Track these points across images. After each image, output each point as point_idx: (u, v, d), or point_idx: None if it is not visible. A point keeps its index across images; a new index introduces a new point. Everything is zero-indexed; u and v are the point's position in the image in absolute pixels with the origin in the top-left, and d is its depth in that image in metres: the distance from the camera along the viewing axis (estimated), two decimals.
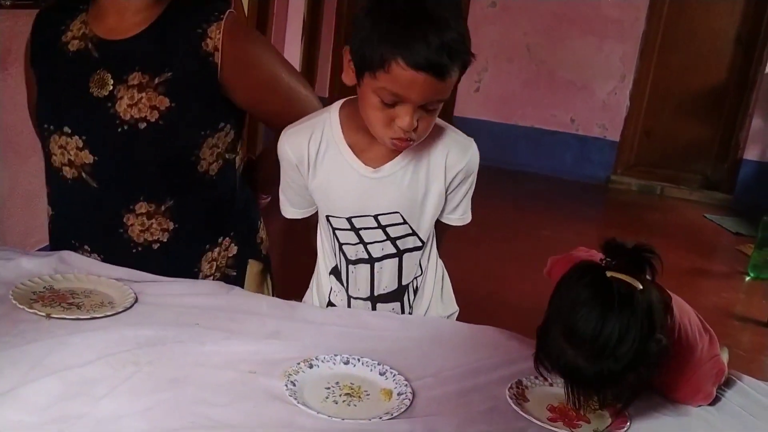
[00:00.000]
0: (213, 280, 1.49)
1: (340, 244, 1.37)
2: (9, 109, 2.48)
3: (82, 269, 1.37)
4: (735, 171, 5.58)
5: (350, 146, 1.31)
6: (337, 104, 1.34)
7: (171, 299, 1.32)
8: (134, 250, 1.42)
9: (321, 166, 1.33)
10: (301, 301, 1.48)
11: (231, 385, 1.07)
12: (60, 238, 1.49)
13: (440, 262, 1.47)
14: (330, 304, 1.44)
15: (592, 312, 1.03)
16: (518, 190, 5.24)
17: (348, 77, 1.24)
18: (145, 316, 1.24)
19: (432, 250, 1.44)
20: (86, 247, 1.44)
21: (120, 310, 1.24)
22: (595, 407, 1.11)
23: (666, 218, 4.99)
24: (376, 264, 1.37)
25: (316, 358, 1.15)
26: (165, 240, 1.42)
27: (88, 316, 1.20)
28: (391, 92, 1.17)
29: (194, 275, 1.48)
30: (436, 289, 1.46)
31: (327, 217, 1.36)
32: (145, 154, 1.35)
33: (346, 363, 1.16)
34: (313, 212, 1.42)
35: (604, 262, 1.07)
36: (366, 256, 1.36)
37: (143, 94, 1.33)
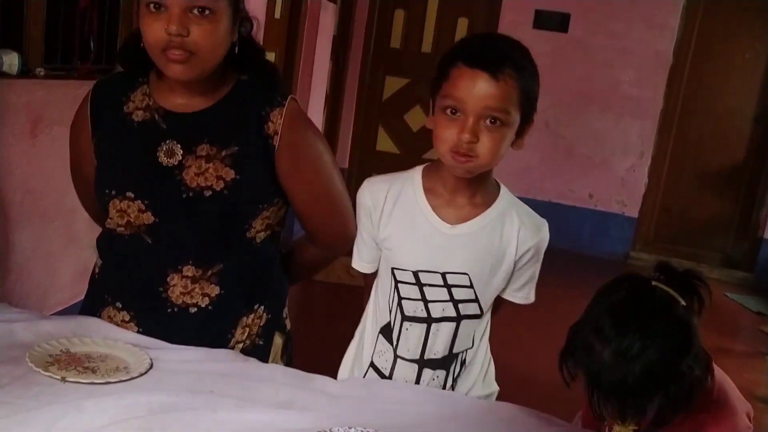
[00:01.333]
0: (243, 347, 1.49)
1: (400, 299, 1.36)
2: (37, 174, 2.54)
3: (100, 333, 1.38)
4: (755, 250, 5.53)
5: (429, 202, 1.35)
6: (421, 166, 1.40)
7: (186, 365, 1.32)
8: (169, 310, 1.43)
9: (396, 216, 1.36)
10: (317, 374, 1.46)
11: None
12: (96, 292, 1.51)
13: (488, 344, 1.46)
14: (372, 365, 1.42)
15: (626, 311, 1.00)
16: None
17: (428, 121, 1.34)
18: (159, 381, 1.24)
19: (487, 327, 1.43)
20: (118, 304, 1.46)
21: (135, 375, 1.23)
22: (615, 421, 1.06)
23: None
24: (433, 325, 1.36)
25: (330, 430, 1.13)
26: (204, 305, 1.44)
27: (103, 381, 1.20)
28: (452, 98, 1.25)
29: (227, 341, 1.47)
30: (483, 368, 1.45)
31: (392, 269, 1.37)
32: (205, 219, 1.40)
33: None
34: (373, 270, 1.44)
35: (653, 277, 1.05)
36: (424, 315, 1.36)
37: (210, 165, 1.39)
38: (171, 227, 1.41)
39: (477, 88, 1.23)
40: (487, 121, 1.25)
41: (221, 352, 1.41)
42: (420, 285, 1.35)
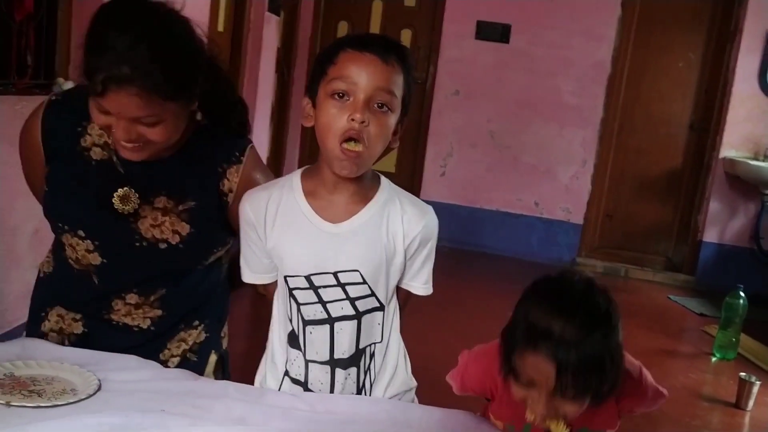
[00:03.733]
0: (176, 360, 1.50)
1: (299, 305, 1.36)
2: None
3: (46, 355, 1.34)
4: (695, 253, 5.69)
5: (310, 204, 1.35)
6: (299, 170, 1.40)
7: (136, 385, 1.29)
8: (114, 323, 1.46)
9: (279, 224, 1.35)
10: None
11: None
12: (44, 292, 1.53)
13: (400, 338, 1.47)
14: (287, 374, 1.41)
15: (567, 295, 1.16)
16: (485, 273, 5.27)
17: (306, 118, 1.33)
18: (108, 403, 1.21)
19: (395, 320, 1.43)
20: (67, 304, 1.48)
21: (83, 397, 1.20)
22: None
23: (631, 299, 5.04)
24: (336, 324, 1.35)
25: None
26: (145, 327, 1.46)
27: (50, 404, 1.17)
28: (342, 79, 1.26)
29: (160, 352, 1.49)
30: (399, 363, 1.45)
31: (285, 278, 1.37)
32: (156, 267, 1.42)
33: None
34: (272, 280, 1.43)
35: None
36: (325, 316, 1.35)
37: (167, 218, 1.40)
38: (119, 269, 1.42)
39: (367, 69, 1.25)
40: (375, 105, 1.27)
41: (171, 371, 1.39)
42: (314, 288, 1.35)
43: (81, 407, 1.18)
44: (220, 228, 1.46)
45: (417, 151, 6.00)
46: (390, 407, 1.36)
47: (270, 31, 4.83)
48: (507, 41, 5.73)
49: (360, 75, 1.25)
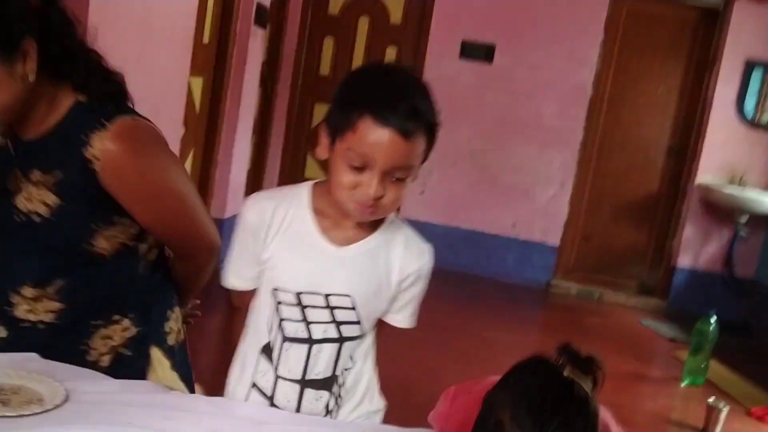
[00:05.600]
0: (108, 357, 1.47)
1: (281, 320, 1.35)
2: None
3: (11, 365, 1.33)
4: (669, 278, 5.75)
5: (316, 222, 1.34)
6: (311, 182, 1.38)
7: (104, 396, 1.28)
8: (20, 325, 1.43)
9: (282, 235, 1.34)
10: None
11: None
12: None
13: (374, 365, 1.48)
14: (255, 385, 1.41)
15: (545, 404, 1.00)
16: (460, 292, 5.29)
17: (321, 150, 1.30)
18: (75, 414, 1.20)
19: (371, 348, 1.44)
20: None
21: (49, 407, 1.19)
22: None
23: (604, 323, 5.08)
24: (315, 346, 1.35)
25: None
26: (49, 321, 1.44)
27: (16, 414, 1.15)
28: (359, 153, 1.21)
29: (83, 353, 1.46)
30: (368, 387, 1.46)
31: (274, 290, 1.36)
32: (36, 244, 1.40)
33: None
34: (252, 287, 1.42)
35: (559, 361, 1.06)
36: (306, 336, 1.35)
37: (38, 191, 1.39)
38: (6, 252, 1.42)
39: (387, 148, 1.20)
40: (394, 178, 1.25)
41: (139, 384, 1.38)
42: (301, 306, 1.34)
43: (47, 418, 1.17)
44: (95, 201, 1.39)
45: None
46: (358, 428, 1.37)
47: (255, 44, 4.84)
48: (491, 61, 5.78)
49: (379, 153, 1.21)
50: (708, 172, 5.59)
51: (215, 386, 1.51)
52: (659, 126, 5.87)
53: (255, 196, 1.40)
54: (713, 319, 4.03)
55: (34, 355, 1.37)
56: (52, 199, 1.38)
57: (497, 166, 5.89)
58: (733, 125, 5.55)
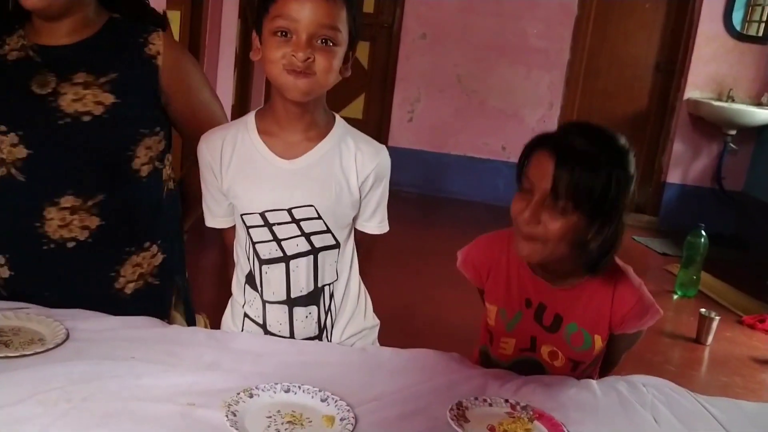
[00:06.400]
0: (136, 287, 1.49)
1: (254, 243, 1.37)
2: None
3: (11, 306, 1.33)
4: (659, 194, 5.78)
5: (264, 141, 1.36)
6: (254, 110, 1.41)
7: (104, 334, 1.29)
8: (45, 248, 1.40)
9: (235, 163, 1.36)
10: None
11: (170, 418, 1.05)
12: None
13: (360, 278, 1.49)
14: (246, 315, 1.42)
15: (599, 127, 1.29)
16: (453, 218, 5.30)
17: (254, 52, 1.34)
18: (77, 351, 1.21)
19: (353, 260, 1.45)
20: None
21: (51, 346, 1.20)
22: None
23: None
24: (291, 262, 1.37)
25: (256, 387, 1.14)
26: (83, 239, 1.41)
27: (17, 354, 1.16)
28: (284, 17, 1.25)
29: (112, 279, 1.46)
30: (359, 303, 1.47)
31: (242, 216, 1.38)
32: (84, 146, 1.39)
33: (287, 391, 1.15)
34: (230, 224, 1.44)
35: None
36: (280, 254, 1.36)
37: (89, 91, 1.38)
38: (47, 158, 1.39)
39: (307, 6, 1.24)
40: (319, 41, 1.26)
41: (138, 320, 1.38)
42: (269, 225, 1.36)
43: (49, 356, 1.18)
44: (150, 104, 1.45)
45: (384, 97, 5.95)
46: (361, 350, 1.39)
47: None
48: None
49: (301, 12, 1.25)
50: (696, 87, 5.55)
51: (214, 322, 1.53)
52: (646, 43, 5.80)
53: (204, 134, 1.41)
54: (703, 232, 4.07)
55: (26, 305, 1.36)
56: (107, 97, 1.39)
57: (485, 90, 5.83)
58: (721, 38, 5.48)
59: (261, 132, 1.37)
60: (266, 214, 1.35)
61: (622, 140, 1.30)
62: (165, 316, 1.52)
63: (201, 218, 1.51)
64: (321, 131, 1.37)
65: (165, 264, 1.53)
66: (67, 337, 1.24)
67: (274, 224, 1.36)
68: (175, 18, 4.20)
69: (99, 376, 1.13)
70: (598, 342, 1.41)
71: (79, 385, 1.10)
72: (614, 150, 1.30)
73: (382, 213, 1.46)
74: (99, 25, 1.44)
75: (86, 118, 1.38)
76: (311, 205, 1.35)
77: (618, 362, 1.52)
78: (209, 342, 1.32)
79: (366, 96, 6.04)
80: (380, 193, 1.43)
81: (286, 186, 1.35)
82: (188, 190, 1.60)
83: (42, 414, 1.02)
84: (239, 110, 5.55)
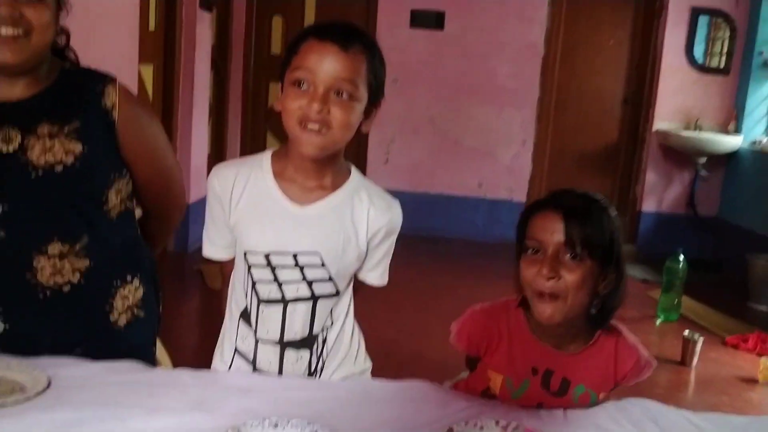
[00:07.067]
0: (124, 317, 1.49)
1: (254, 282, 1.36)
2: None
3: None
4: (635, 223, 5.84)
5: (277, 184, 1.36)
6: (270, 150, 1.41)
7: (87, 380, 1.27)
8: (41, 295, 1.40)
9: (245, 201, 1.36)
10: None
11: None
12: None
13: (355, 321, 1.48)
14: (237, 351, 1.41)
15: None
16: (433, 255, 5.31)
17: (277, 102, 1.34)
18: (60, 398, 1.19)
19: (350, 307, 1.45)
20: None
21: (32, 394, 1.18)
22: None
23: None
24: (289, 305, 1.36)
25: (244, 424, 1.12)
26: (76, 281, 1.42)
27: None
28: (301, 69, 1.27)
29: (108, 313, 1.47)
30: (352, 347, 1.46)
31: (245, 253, 1.37)
32: (61, 195, 1.39)
33: (275, 426, 1.13)
34: (230, 256, 1.44)
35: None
36: (279, 297, 1.36)
37: (55, 141, 1.38)
38: (24, 211, 1.38)
39: (326, 59, 1.26)
40: (337, 95, 1.27)
41: (122, 365, 1.36)
42: (272, 267, 1.36)
43: (31, 405, 1.15)
44: (112, 150, 1.44)
45: (360, 139, 6.00)
46: (348, 385, 1.38)
47: (203, 28, 4.77)
48: (441, 28, 5.78)
49: (319, 65, 1.26)
50: (664, 119, 5.67)
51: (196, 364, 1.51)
52: (613, 77, 5.93)
53: (217, 166, 1.42)
54: (681, 257, 4.12)
55: (6, 357, 1.34)
56: (75, 146, 1.39)
57: (458, 129, 5.91)
58: (685, 71, 5.63)
59: (275, 174, 1.37)
60: (271, 255, 1.35)
61: (603, 198, 1.40)
62: (153, 344, 1.56)
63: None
64: (336, 182, 1.38)
65: (146, 297, 1.54)
66: (49, 384, 1.22)
67: (277, 266, 1.35)
68: (147, 72, 4.23)
69: (83, 422, 1.11)
70: (603, 396, 1.42)
71: (63, 431, 1.08)
72: (603, 204, 1.38)
73: (385, 265, 1.46)
74: (54, 76, 1.44)
75: (59, 168, 1.37)
76: (317, 253, 1.35)
77: None
78: (194, 381, 1.30)
79: None
80: (387, 247, 1.44)
81: (294, 230, 1.35)
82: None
83: None
84: (215, 158, 5.57)
